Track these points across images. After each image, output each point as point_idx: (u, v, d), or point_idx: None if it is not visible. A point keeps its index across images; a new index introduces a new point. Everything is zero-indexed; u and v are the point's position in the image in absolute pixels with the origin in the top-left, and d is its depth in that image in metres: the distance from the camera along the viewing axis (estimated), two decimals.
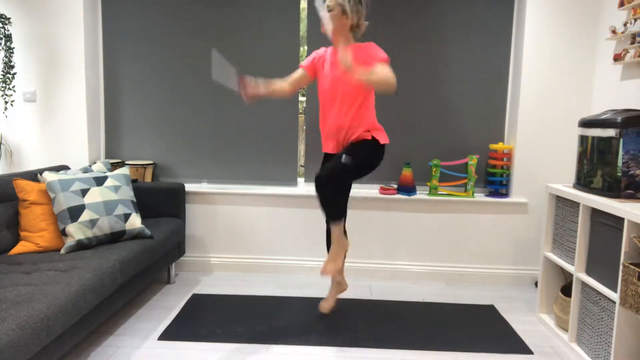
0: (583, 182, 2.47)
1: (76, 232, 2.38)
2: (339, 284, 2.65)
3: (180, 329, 2.50)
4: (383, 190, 3.29)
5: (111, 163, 3.22)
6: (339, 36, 2.36)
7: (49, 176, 2.47)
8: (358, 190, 3.39)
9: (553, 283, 2.75)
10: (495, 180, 3.27)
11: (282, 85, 2.53)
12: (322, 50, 2.53)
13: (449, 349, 2.36)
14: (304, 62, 2.55)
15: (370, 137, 2.41)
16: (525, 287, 3.26)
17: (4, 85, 3.08)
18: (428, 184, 3.35)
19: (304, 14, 3.31)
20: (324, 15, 2.32)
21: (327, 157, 2.56)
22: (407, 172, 3.27)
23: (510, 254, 3.30)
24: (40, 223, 2.42)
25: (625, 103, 2.76)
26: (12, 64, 3.09)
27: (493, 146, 3.24)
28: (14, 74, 3.11)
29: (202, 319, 2.62)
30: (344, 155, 2.32)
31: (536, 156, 3.20)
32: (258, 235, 3.37)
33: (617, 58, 2.78)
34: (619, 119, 2.22)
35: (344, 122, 2.40)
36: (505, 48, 3.28)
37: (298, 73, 2.54)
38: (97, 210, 2.47)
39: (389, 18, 3.28)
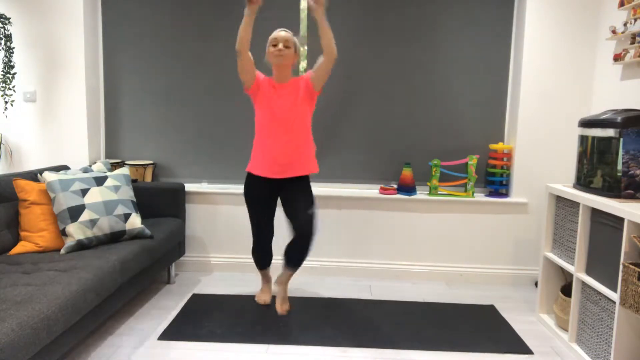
0: (583, 182, 2.47)
1: (76, 232, 2.38)
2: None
3: (180, 329, 2.50)
4: (383, 190, 3.29)
5: (111, 163, 3.22)
6: (287, 69, 2.56)
7: (49, 176, 2.47)
8: (358, 190, 3.39)
9: (553, 283, 2.75)
10: (495, 180, 3.27)
11: (248, 35, 2.44)
12: (262, 75, 2.59)
13: (449, 349, 2.36)
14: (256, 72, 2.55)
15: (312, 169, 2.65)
16: (525, 287, 3.26)
17: (4, 85, 3.08)
18: (428, 184, 3.35)
19: (304, 14, 3.31)
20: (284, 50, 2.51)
21: (267, 184, 2.62)
22: (407, 172, 3.27)
23: (510, 254, 3.30)
24: (40, 223, 2.42)
25: (625, 103, 2.76)
26: (12, 64, 3.09)
27: (493, 146, 3.24)
28: (14, 74, 3.11)
29: (202, 319, 2.62)
30: (310, 209, 2.56)
31: (536, 156, 3.20)
32: None
33: (617, 58, 2.78)
34: (619, 119, 2.22)
35: (288, 157, 2.53)
36: (505, 48, 3.28)
37: (251, 60, 2.47)
38: (97, 210, 2.47)
39: (388, 18, 3.28)
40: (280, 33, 2.51)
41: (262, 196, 2.62)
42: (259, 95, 2.55)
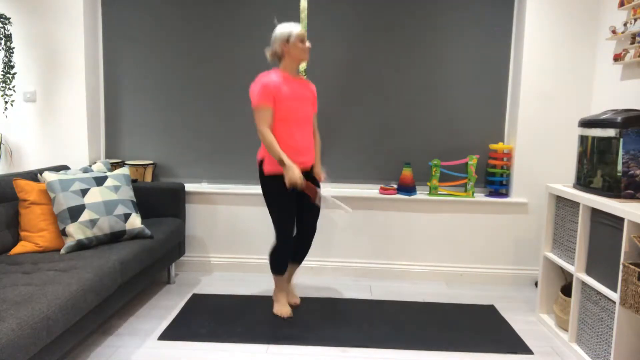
0: (583, 182, 2.47)
1: (76, 232, 2.38)
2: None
3: (180, 329, 2.50)
4: (383, 190, 3.29)
5: (111, 163, 3.22)
6: None
7: (49, 176, 2.47)
8: (358, 190, 3.39)
9: (553, 283, 2.75)
10: (495, 180, 3.27)
11: (277, 144, 2.45)
12: (269, 79, 2.46)
13: (449, 349, 2.36)
14: (267, 101, 2.44)
15: None
16: (525, 287, 3.26)
17: (4, 85, 3.08)
18: (428, 184, 3.35)
19: (304, 14, 3.31)
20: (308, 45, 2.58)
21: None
22: (407, 172, 3.27)
23: (510, 254, 3.30)
24: (40, 223, 2.42)
25: (625, 103, 2.76)
26: (12, 64, 3.09)
27: (493, 146, 3.24)
28: (14, 74, 3.11)
29: (202, 319, 2.62)
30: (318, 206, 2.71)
31: (536, 156, 3.20)
32: (258, 235, 3.37)
33: (617, 58, 2.78)
34: (619, 119, 2.22)
35: (310, 144, 2.60)
36: (505, 48, 3.28)
37: (269, 114, 2.46)
38: (97, 210, 2.47)
39: (388, 17, 3.28)
40: (303, 31, 2.56)
41: (291, 192, 2.55)
42: (278, 101, 2.47)
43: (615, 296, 2.07)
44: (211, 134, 3.41)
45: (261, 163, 2.56)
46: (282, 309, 2.69)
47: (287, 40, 2.52)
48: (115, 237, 2.53)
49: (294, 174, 2.38)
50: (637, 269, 1.88)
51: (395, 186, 3.32)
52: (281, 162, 2.40)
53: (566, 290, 2.62)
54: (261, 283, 3.19)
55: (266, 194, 2.57)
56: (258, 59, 3.35)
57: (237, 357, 2.25)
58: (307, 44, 2.55)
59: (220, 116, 3.40)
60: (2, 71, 3.08)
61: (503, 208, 3.26)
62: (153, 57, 3.37)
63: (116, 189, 2.62)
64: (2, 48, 3.07)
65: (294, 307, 2.79)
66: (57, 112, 3.28)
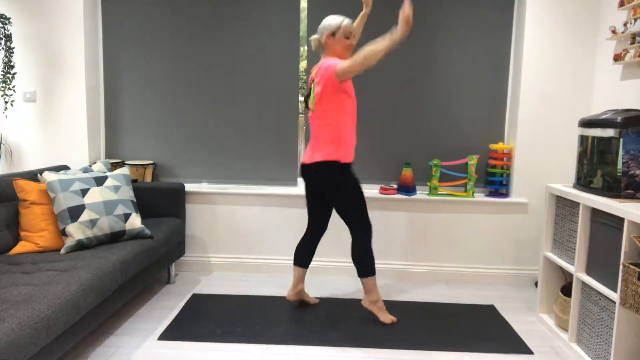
0: (583, 182, 2.47)
1: (76, 232, 2.38)
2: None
3: (180, 329, 2.50)
4: (383, 190, 3.29)
5: (111, 163, 3.22)
6: None
7: (49, 176, 2.47)
8: None
9: (553, 283, 2.75)
10: (495, 180, 3.27)
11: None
12: None
13: (449, 349, 2.36)
14: None
15: None
16: (525, 287, 3.26)
17: (4, 85, 3.08)
18: (428, 184, 3.35)
19: (304, 14, 3.31)
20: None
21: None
22: (407, 172, 3.27)
23: (510, 254, 3.30)
24: (40, 223, 2.42)
25: (625, 103, 2.76)
26: (12, 64, 3.09)
27: (493, 146, 3.24)
28: (14, 74, 3.11)
29: (202, 319, 2.62)
30: None
31: (536, 156, 3.20)
32: (258, 235, 3.37)
33: (617, 58, 2.78)
34: (619, 119, 2.22)
35: None
36: (505, 48, 3.28)
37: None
38: (97, 210, 2.47)
39: (387, 18, 3.28)
40: (353, 26, 2.46)
41: None
42: (349, 93, 2.43)
43: (615, 296, 2.07)
44: (211, 134, 3.42)
45: (334, 162, 2.41)
46: (388, 315, 2.61)
47: (333, 33, 2.40)
48: (115, 237, 2.53)
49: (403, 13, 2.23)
50: (637, 269, 1.88)
51: (395, 186, 3.32)
52: (392, 38, 2.24)
53: (566, 290, 2.62)
54: (261, 283, 3.19)
55: (348, 189, 2.43)
56: (258, 59, 3.35)
57: (237, 357, 2.25)
58: (353, 40, 2.43)
59: (220, 116, 3.40)
60: (2, 71, 3.08)
61: (503, 208, 3.26)
62: (153, 57, 3.37)
63: (116, 189, 2.62)
64: (2, 48, 3.07)
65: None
66: (57, 112, 3.28)
